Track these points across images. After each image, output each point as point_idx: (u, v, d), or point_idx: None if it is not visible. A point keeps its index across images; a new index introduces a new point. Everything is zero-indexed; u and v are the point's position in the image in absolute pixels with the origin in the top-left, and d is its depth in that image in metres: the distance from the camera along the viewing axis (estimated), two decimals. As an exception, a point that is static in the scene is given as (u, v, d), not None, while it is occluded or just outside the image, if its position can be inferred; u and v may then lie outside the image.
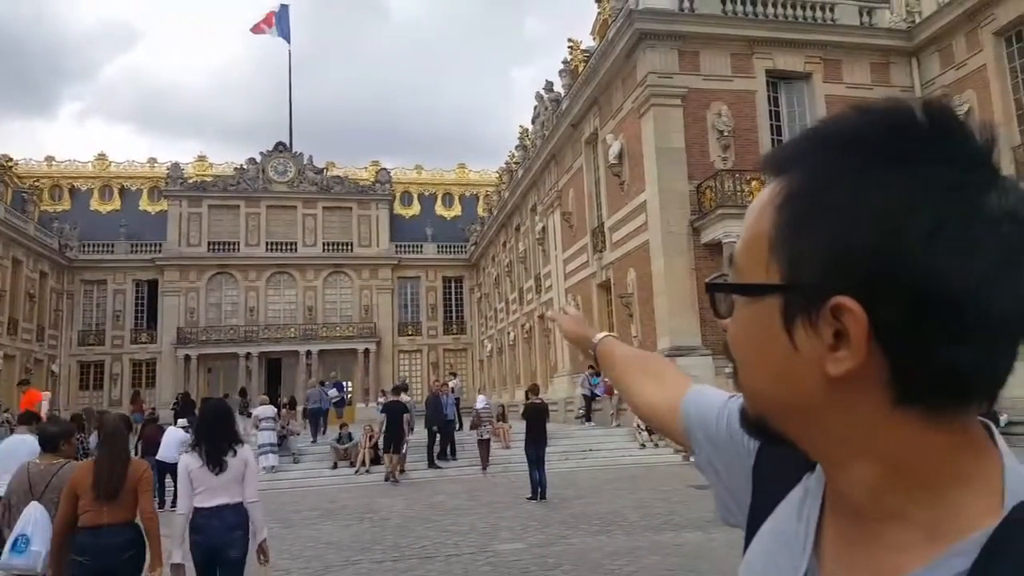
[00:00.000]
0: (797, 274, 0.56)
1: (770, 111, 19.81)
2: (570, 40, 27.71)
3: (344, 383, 28.92)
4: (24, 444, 5.87)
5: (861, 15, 20.66)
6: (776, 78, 20.10)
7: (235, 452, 4.66)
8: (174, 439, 12.77)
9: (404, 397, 17.05)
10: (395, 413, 15.68)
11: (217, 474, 4.57)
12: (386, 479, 15.65)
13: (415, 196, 50.99)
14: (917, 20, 20.05)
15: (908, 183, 0.54)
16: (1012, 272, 0.53)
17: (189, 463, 4.66)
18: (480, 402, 19.18)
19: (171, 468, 11.09)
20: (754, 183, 17.94)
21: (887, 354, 0.54)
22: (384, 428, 15.79)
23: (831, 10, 20.40)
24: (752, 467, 0.81)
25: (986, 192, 0.54)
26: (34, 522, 4.35)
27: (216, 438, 4.67)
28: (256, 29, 46.85)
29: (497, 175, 44.49)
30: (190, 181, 45.60)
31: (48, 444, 4.86)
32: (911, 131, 0.55)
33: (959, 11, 18.42)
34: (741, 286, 0.62)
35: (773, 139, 19.56)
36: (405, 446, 15.97)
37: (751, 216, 0.62)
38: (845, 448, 0.59)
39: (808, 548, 0.65)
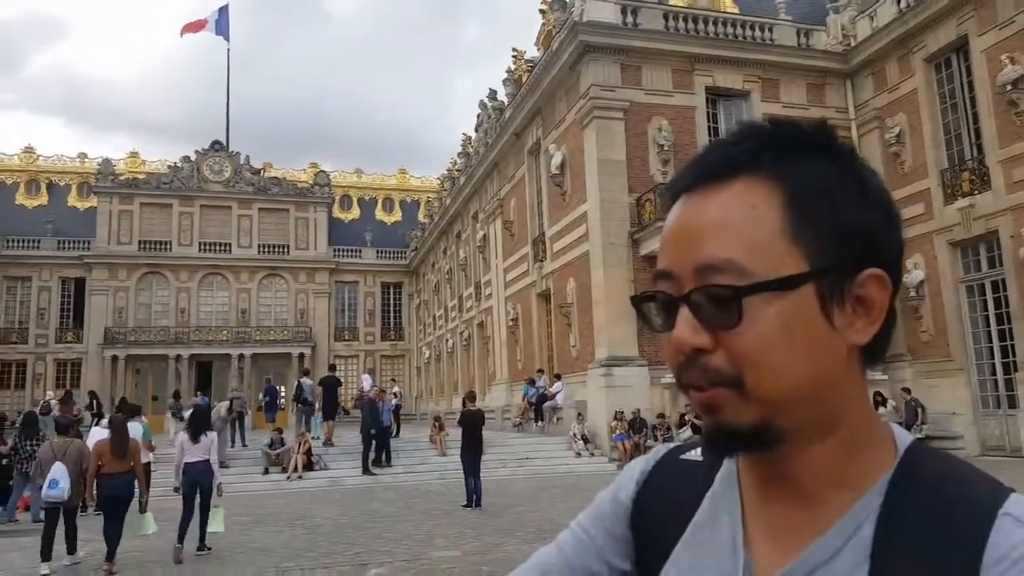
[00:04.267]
0: (826, 258, 0.62)
1: (709, 127, 20.23)
2: (514, 50, 27.86)
3: (278, 388, 28.29)
4: (135, 428, 10.84)
5: (799, 36, 21.33)
6: (716, 95, 20.59)
7: (206, 434, 9.26)
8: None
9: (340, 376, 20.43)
10: (331, 388, 18.86)
11: (196, 444, 9.09)
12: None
13: (355, 200, 50.38)
14: (852, 43, 20.74)
15: (871, 175, 0.67)
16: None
17: (183, 438, 9.27)
18: (366, 382, 21.17)
19: None
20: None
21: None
22: (324, 398, 18.99)
23: (770, 30, 21.02)
24: (629, 519, 0.78)
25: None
26: (61, 472, 8.33)
27: (197, 425, 9.34)
28: (187, 29, 45.53)
29: (439, 182, 44.31)
30: (122, 178, 44.03)
31: (63, 431, 9.33)
32: (833, 135, 0.68)
33: (891, 37, 19.11)
34: (779, 281, 0.60)
35: (711, 154, 19.98)
36: (338, 417, 19.64)
37: (739, 222, 0.62)
38: (829, 425, 0.64)
39: (739, 545, 0.67)
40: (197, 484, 8.93)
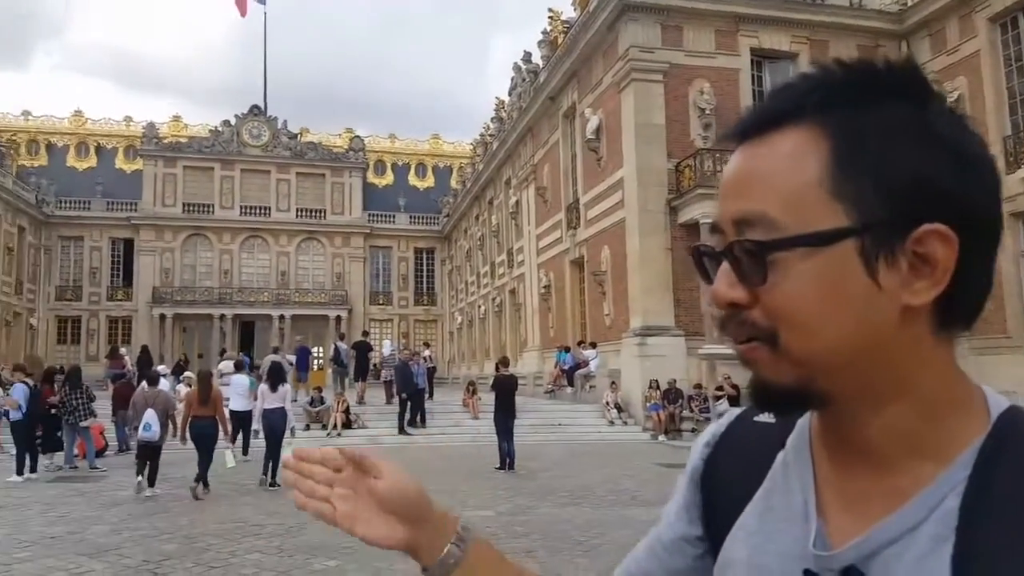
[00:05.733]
0: (872, 212, 0.57)
1: (754, 90, 19.70)
2: (550, 10, 27.33)
3: (314, 348, 28.78)
4: (242, 380, 13.52)
5: (850, -5, 20.58)
6: (761, 57, 20.01)
7: (282, 385, 11.18)
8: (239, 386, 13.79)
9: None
10: (363, 351, 20.00)
11: (274, 394, 10.96)
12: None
13: (388, 165, 50.51)
14: (909, 3, 19.87)
15: (946, 119, 0.60)
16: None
17: (264, 388, 11.22)
18: (387, 348, 21.79)
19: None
20: (733, 164, 17.98)
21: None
22: (356, 361, 20.07)
23: (819, -10, 20.31)
24: (700, 480, 0.78)
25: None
26: (152, 417, 10.09)
27: (274, 378, 11.16)
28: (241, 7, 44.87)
29: (472, 147, 44.18)
30: (165, 141, 44.86)
31: (151, 383, 11.15)
32: (909, 76, 0.61)
33: (954, -5, 18.04)
34: (811, 236, 0.57)
35: (754, 119, 19.53)
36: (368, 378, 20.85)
37: (776, 173, 0.59)
38: (893, 389, 0.60)
39: (812, 512, 0.65)
40: (273, 428, 10.83)
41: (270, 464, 10.62)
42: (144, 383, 11.62)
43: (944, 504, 0.58)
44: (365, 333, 24.68)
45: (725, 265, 0.61)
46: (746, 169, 0.62)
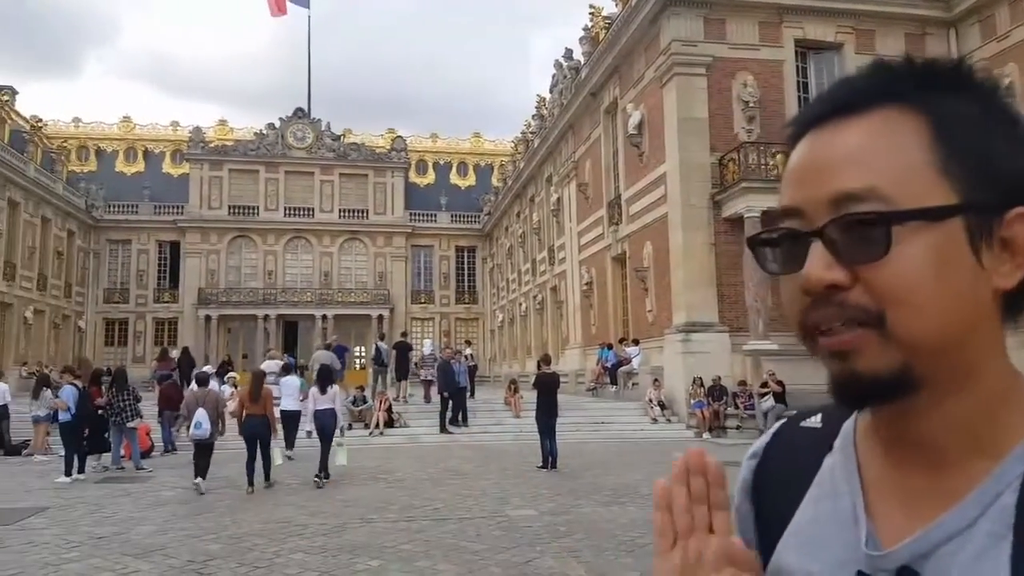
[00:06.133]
0: (975, 193, 0.58)
1: (798, 82, 19.36)
2: (592, 6, 27.15)
3: (349, 348, 29.04)
4: (293, 382, 14.67)
5: (897, -16, 20.06)
6: (805, 48, 19.64)
7: (331, 387, 11.46)
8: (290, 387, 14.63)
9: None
10: (403, 350, 20.19)
11: (323, 395, 11.27)
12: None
13: (430, 165, 50.77)
14: (957, -11, 19.36)
15: (1010, 109, 0.62)
16: None
17: (314, 390, 11.53)
18: (427, 347, 21.75)
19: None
20: (779, 156, 17.64)
21: None
22: (396, 360, 20.16)
23: (865, -22, 19.81)
24: (750, 491, 0.77)
25: None
26: (203, 416, 10.58)
27: (324, 380, 11.42)
28: (273, 6, 45.73)
29: (512, 145, 44.17)
30: (211, 145, 45.75)
31: (201, 384, 11.54)
32: (977, 75, 0.63)
33: (1003, -20, 17.65)
34: (929, 210, 0.56)
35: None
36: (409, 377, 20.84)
37: (881, 150, 0.58)
38: (963, 376, 0.59)
39: (861, 514, 0.64)
40: (323, 427, 11.16)
41: (320, 461, 10.97)
42: (194, 384, 12.09)
43: (1000, 501, 0.57)
44: (404, 333, 25.15)
45: (818, 247, 0.59)
46: (837, 149, 0.60)
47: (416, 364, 21.74)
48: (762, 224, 16.77)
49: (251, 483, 10.32)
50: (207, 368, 18.69)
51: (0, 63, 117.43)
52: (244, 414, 10.74)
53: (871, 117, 0.60)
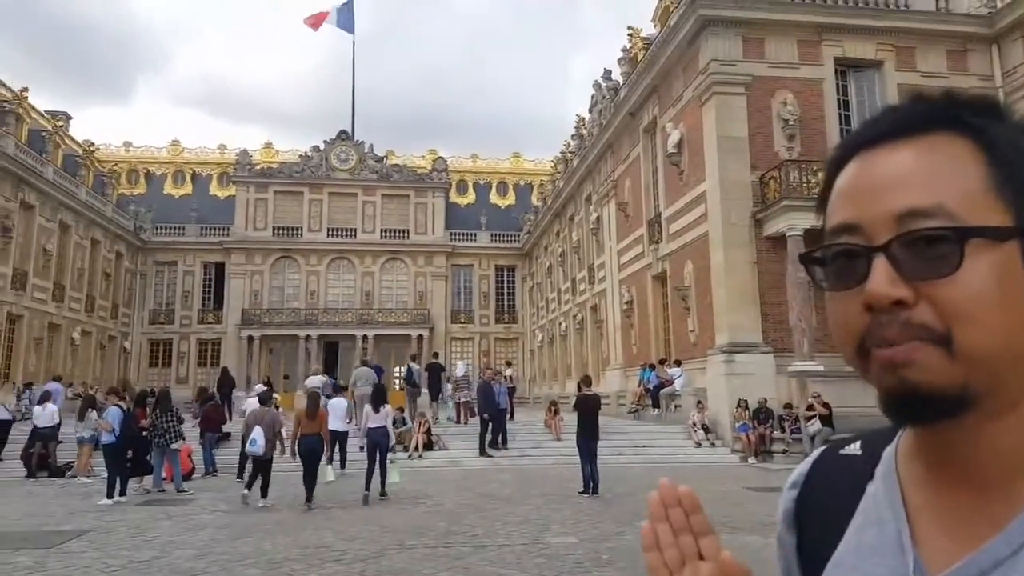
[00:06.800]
0: None
1: (839, 100, 19.14)
2: (630, 28, 27.29)
3: (384, 369, 29.21)
4: (341, 403, 15.24)
5: (937, 0, 19.76)
6: (845, 66, 19.40)
7: (384, 406, 11.93)
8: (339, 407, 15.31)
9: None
10: (435, 372, 20.80)
11: (376, 414, 11.68)
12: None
13: (470, 184, 51.12)
14: (999, 4, 19.02)
15: None
16: None
17: (367, 409, 12.01)
18: (460, 369, 22.08)
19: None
20: (821, 174, 17.25)
21: None
22: (429, 381, 20.85)
23: (906, -5, 19.56)
24: (793, 521, 0.77)
25: None
26: (259, 433, 10.99)
27: (377, 399, 11.94)
28: (309, 21, 47.37)
29: (552, 164, 44.28)
30: (257, 168, 46.69)
31: (264, 403, 12.11)
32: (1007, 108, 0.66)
33: (1046, -5, 17.37)
34: (996, 229, 0.58)
35: (842, 129, 18.90)
36: (441, 396, 21.56)
37: (946, 171, 0.60)
38: (1016, 397, 0.59)
39: (907, 542, 0.63)
40: (376, 445, 11.71)
41: (379, 478, 11.67)
42: (254, 400, 13.24)
43: None
44: (435, 354, 25.69)
45: (882, 262, 0.59)
46: (899, 168, 0.61)
47: (453, 386, 21.85)
48: (805, 242, 16.54)
49: (309, 499, 10.94)
50: (259, 387, 19.12)
51: (56, 90, 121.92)
52: (300, 433, 11.27)
53: (927, 140, 0.61)
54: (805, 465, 0.80)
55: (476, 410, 19.13)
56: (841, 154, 0.67)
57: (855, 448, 0.75)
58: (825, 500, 0.73)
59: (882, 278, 0.58)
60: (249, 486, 11.08)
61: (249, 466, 12.25)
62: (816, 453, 0.80)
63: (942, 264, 0.57)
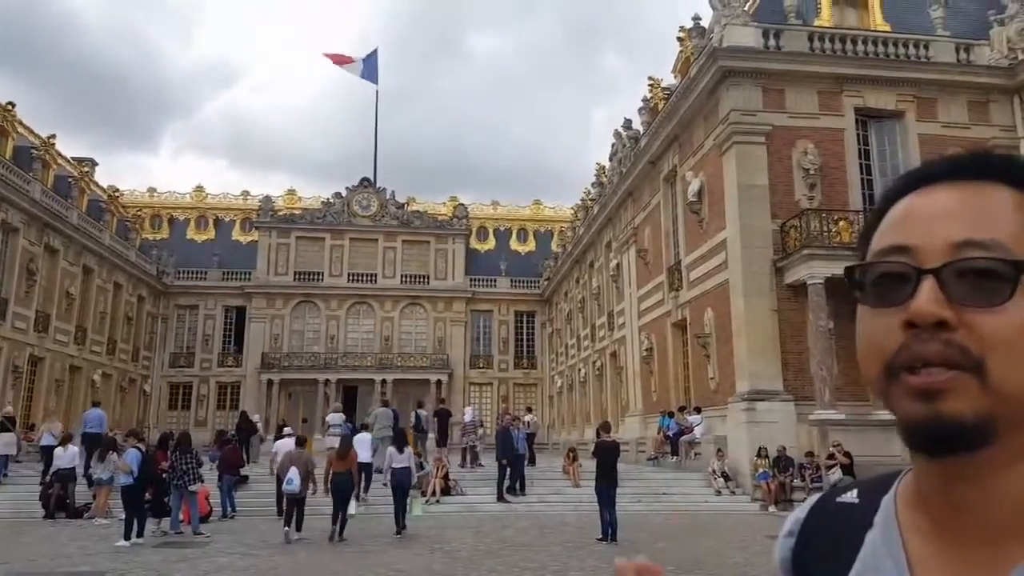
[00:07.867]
0: None
1: (859, 149, 19.23)
2: (651, 78, 27.68)
3: (400, 413, 29.37)
4: (366, 437, 17.11)
5: (958, 52, 19.90)
6: (866, 116, 19.52)
7: (407, 447, 13.41)
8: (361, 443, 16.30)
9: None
10: (443, 417, 21.35)
11: (400, 455, 12.91)
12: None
13: (490, 231, 51.53)
14: (1020, 56, 19.14)
15: None
16: None
17: (392, 450, 13.23)
18: (468, 415, 22.34)
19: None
20: (842, 223, 17.37)
21: None
22: (438, 427, 21.30)
23: (925, 47, 19.74)
24: (790, 570, 0.77)
25: None
26: (295, 473, 11.92)
27: (400, 441, 13.55)
28: (333, 58, 48.79)
29: (572, 211, 44.59)
30: (280, 214, 47.46)
31: (299, 444, 13.94)
32: None
33: (1068, 47, 17.45)
34: None
35: (863, 179, 18.95)
36: (449, 441, 21.92)
37: (1001, 214, 0.63)
38: None
39: None
40: (400, 484, 12.62)
41: (401, 515, 12.54)
42: (289, 441, 14.90)
43: None
44: (442, 400, 26.83)
45: (930, 283, 0.61)
46: (957, 203, 0.65)
47: (461, 431, 22.28)
48: (826, 290, 16.48)
49: (337, 534, 11.92)
50: (287, 430, 20.70)
51: (83, 137, 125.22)
52: (332, 472, 12.43)
53: (987, 186, 0.65)
54: (800, 512, 0.79)
55: (478, 455, 20.56)
56: (896, 187, 0.70)
57: (852, 496, 0.75)
58: (823, 549, 0.73)
59: (929, 296, 0.60)
60: (287, 523, 11.92)
61: (284, 504, 12.94)
62: (811, 501, 0.80)
63: (993, 294, 0.59)
